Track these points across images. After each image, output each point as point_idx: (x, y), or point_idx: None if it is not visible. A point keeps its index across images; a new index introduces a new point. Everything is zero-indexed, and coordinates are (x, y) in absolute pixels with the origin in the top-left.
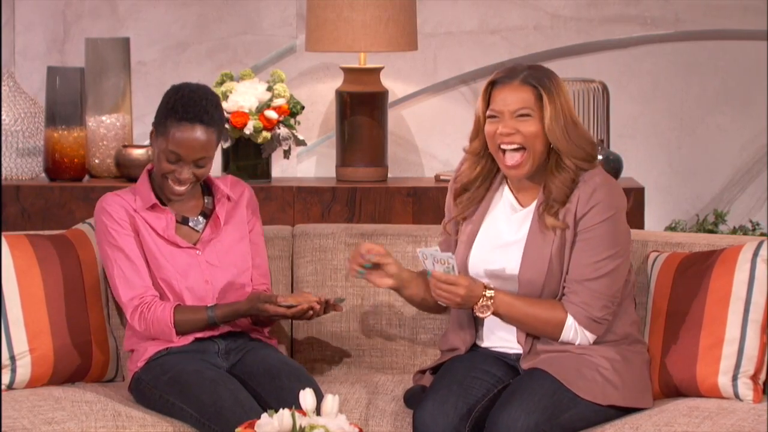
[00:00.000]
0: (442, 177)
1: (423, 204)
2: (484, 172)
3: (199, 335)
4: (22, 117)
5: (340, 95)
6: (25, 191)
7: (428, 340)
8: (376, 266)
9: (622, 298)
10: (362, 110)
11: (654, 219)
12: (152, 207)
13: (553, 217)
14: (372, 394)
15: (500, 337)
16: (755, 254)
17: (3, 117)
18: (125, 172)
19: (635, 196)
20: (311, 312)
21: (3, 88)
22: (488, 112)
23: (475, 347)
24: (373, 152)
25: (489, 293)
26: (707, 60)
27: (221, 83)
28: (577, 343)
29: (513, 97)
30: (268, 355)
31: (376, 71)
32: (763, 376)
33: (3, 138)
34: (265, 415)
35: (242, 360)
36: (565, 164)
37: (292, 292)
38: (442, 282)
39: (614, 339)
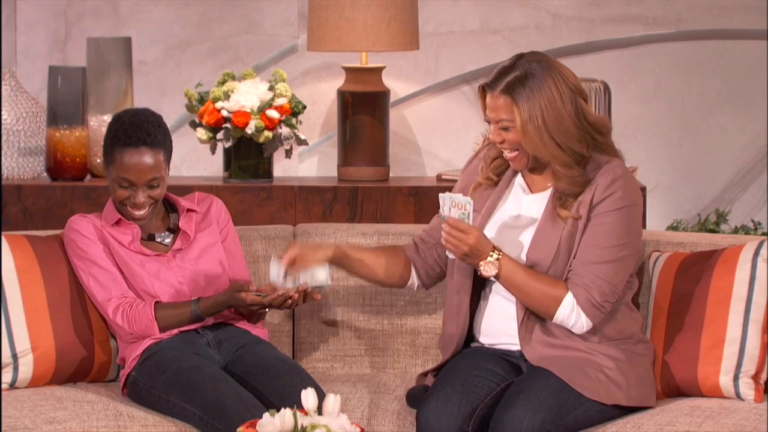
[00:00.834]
0: (443, 176)
1: (424, 203)
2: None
3: (183, 329)
4: (24, 116)
5: (342, 95)
6: (27, 191)
7: (430, 339)
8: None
9: (627, 296)
10: (364, 110)
11: (656, 218)
12: (117, 222)
13: (567, 209)
14: (374, 393)
15: (500, 330)
16: (756, 254)
17: (5, 116)
18: None
19: None
20: (290, 301)
21: (5, 87)
22: (485, 114)
23: (470, 341)
24: (375, 152)
25: (496, 254)
26: (709, 60)
27: (223, 83)
28: (570, 325)
29: (493, 108)
30: (264, 353)
31: (378, 71)
32: (764, 376)
33: (5, 137)
34: (266, 415)
35: (239, 358)
36: (558, 170)
37: None
38: (455, 228)
39: (620, 338)
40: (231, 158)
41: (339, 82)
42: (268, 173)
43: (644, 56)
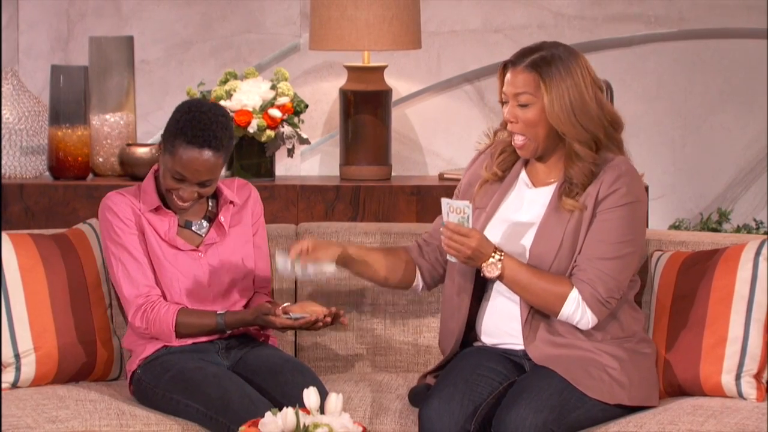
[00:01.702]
0: (446, 175)
1: (427, 202)
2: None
3: (196, 341)
4: (26, 115)
5: (344, 94)
6: (29, 189)
7: (432, 338)
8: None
9: (629, 295)
10: (366, 109)
11: (657, 217)
12: (156, 209)
13: (573, 199)
14: (376, 392)
15: (502, 330)
16: (757, 253)
17: (7, 115)
18: (129, 171)
19: None
20: (319, 323)
21: (7, 86)
22: (501, 95)
23: (472, 341)
24: (377, 151)
25: (498, 255)
26: (711, 59)
27: (225, 82)
28: (575, 321)
29: (515, 83)
30: (270, 353)
31: (380, 70)
32: (766, 375)
33: (7, 136)
34: (269, 414)
35: (244, 358)
36: (577, 151)
37: (295, 290)
38: (455, 233)
39: (622, 336)
40: (233, 157)
41: (341, 81)
42: (270, 172)
43: (646, 55)
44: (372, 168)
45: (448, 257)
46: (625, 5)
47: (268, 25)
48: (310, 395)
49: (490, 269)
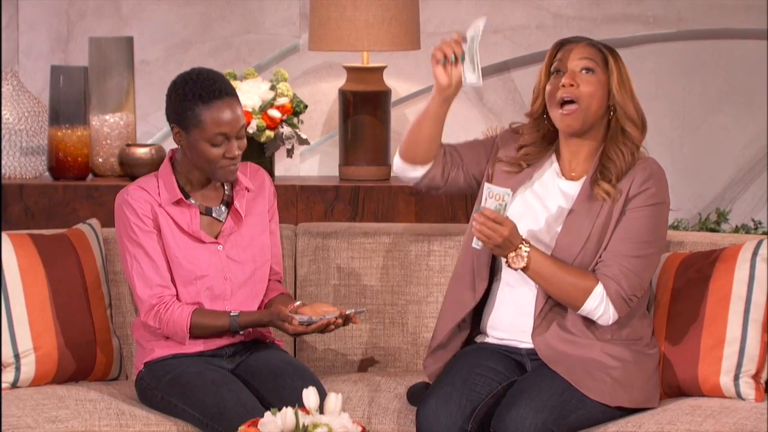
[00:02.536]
0: None
1: (426, 203)
2: (544, 134)
3: (205, 348)
4: (26, 116)
5: (343, 94)
6: (29, 190)
7: (430, 338)
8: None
9: (642, 300)
10: (365, 109)
11: None
12: (177, 202)
13: (608, 183)
14: (375, 392)
15: (511, 325)
16: (755, 253)
17: (7, 116)
18: (129, 171)
19: None
20: (332, 326)
21: (7, 87)
22: (552, 68)
23: (473, 340)
24: (376, 151)
25: (526, 246)
26: (710, 59)
27: None
28: (597, 315)
29: (580, 54)
30: (271, 355)
31: (379, 70)
32: (764, 375)
33: (7, 137)
34: (268, 414)
35: (246, 360)
36: (628, 132)
37: (295, 290)
38: (490, 219)
39: (632, 338)
40: None
41: (340, 81)
42: (269, 172)
43: (645, 56)
44: (371, 168)
45: (473, 243)
46: (624, 6)
47: (268, 25)
48: (310, 395)
49: (516, 261)
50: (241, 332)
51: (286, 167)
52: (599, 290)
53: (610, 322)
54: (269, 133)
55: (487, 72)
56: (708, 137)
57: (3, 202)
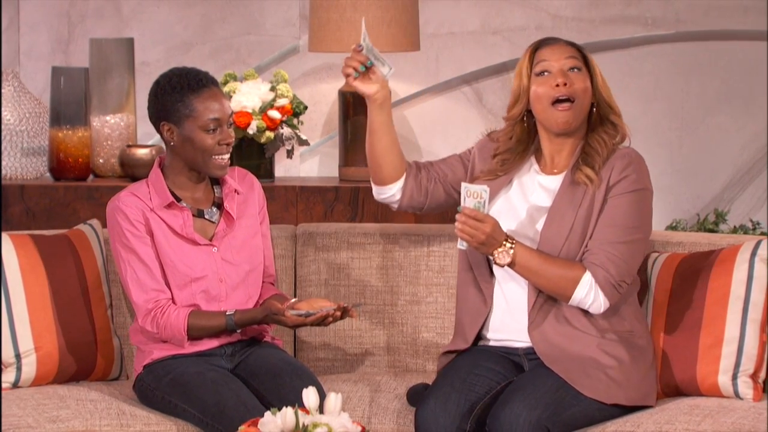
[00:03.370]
0: None
1: None
2: (521, 138)
3: (203, 348)
4: (27, 117)
5: (343, 95)
6: (30, 190)
7: (430, 338)
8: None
9: (632, 292)
10: (365, 110)
11: (655, 218)
12: (169, 205)
13: (590, 168)
14: (374, 392)
15: (509, 326)
16: (753, 254)
17: (8, 117)
18: (129, 172)
19: None
20: (330, 318)
21: (8, 88)
22: (536, 70)
23: (478, 341)
24: None
25: (510, 242)
26: (708, 60)
27: (225, 83)
28: (588, 304)
29: (564, 53)
30: (271, 355)
31: None
32: (762, 375)
33: (8, 138)
34: (268, 414)
35: (245, 360)
36: (613, 123)
37: (295, 290)
38: (470, 218)
39: (623, 329)
40: (233, 158)
41: (340, 82)
42: (269, 173)
43: (643, 57)
44: None
45: (458, 244)
46: (623, 7)
47: (268, 26)
48: (309, 395)
49: (502, 257)
50: (238, 331)
51: (286, 168)
52: (587, 278)
53: (602, 310)
54: (269, 134)
55: (487, 73)
56: (706, 138)
57: (4, 203)
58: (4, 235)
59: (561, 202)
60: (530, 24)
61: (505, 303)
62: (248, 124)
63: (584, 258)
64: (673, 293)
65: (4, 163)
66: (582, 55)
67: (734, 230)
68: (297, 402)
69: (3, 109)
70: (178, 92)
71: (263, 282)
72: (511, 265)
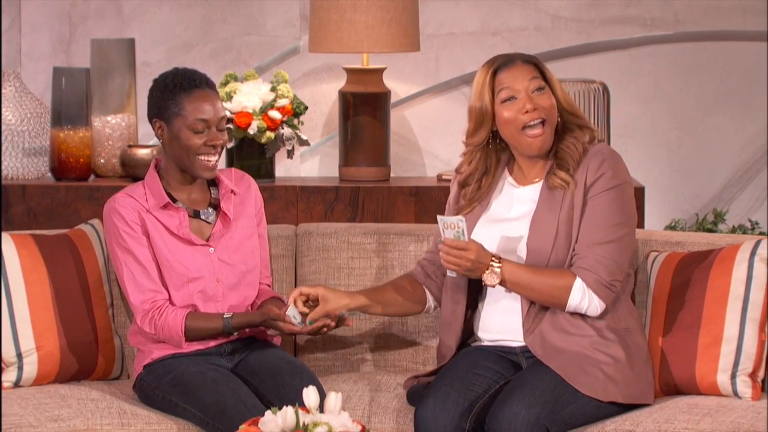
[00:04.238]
0: (444, 176)
1: (425, 203)
2: (483, 163)
3: (203, 347)
4: (28, 117)
5: (343, 96)
6: (31, 190)
7: (430, 338)
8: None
9: (625, 290)
10: (365, 110)
11: (654, 218)
12: (165, 206)
13: (565, 171)
14: (374, 391)
15: (503, 327)
16: (753, 253)
17: (10, 117)
18: (130, 172)
19: (635, 196)
20: (325, 329)
21: (10, 88)
22: (502, 96)
23: (468, 343)
24: (376, 152)
25: (497, 262)
26: (707, 61)
27: (225, 84)
28: (584, 309)
29: (524, 75)
30: (270, 354)
31: (379, 72)
32: (761, 374)
33: (10, 138)
34: (268, 413)
35: (245, 359)
36: (578, 125)
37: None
38: (453, 248)
39: (618, 327)
40: (233, 159)
41: (340, 83)
42: (270, 173)
43: (643, 57)
44: (371, 169)
45: (447, 273)
46: (622, 8)
47: (268, 27)
48: (310, 394)
49: (491, 278)
50: (234, 333)
51: (286, 168)
52: (579, 284)
53: (599, 312)
54: (270, 135)
55: None
56: (705, 138)
57: (6, 203)
58: (6, 235)
59: (542, 210)
60: (530, 25)
61: (499, 306)
62: (249, 125)
63: (573, 263)
64: (672, 293)
65: (5, 163)
66: (540, 70)
67: (733, 230)
68: (297, 401)
69: (4, 109)
70: (171, 90)
71: (260, 284)
72: (501, 283)
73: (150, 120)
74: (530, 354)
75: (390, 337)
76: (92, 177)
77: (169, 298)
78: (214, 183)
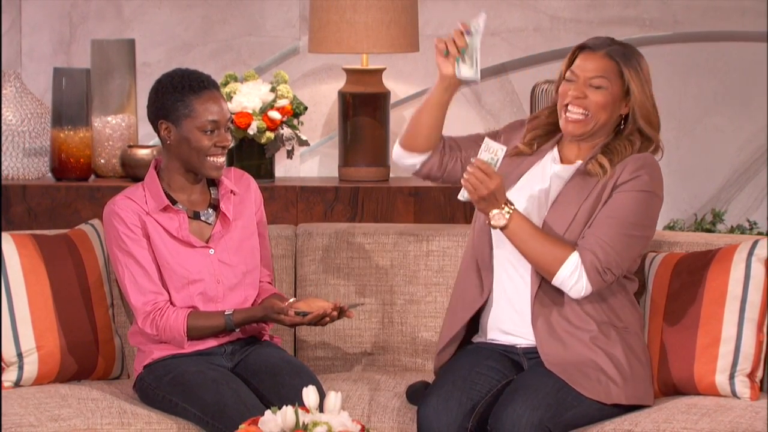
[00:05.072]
0: None
1: (424, 203)
2: (554, 124)
3: (203, 347)
4: (29, 117)
5: (343, 96)
6: (32, 191)
7: (429, 338)
8: None
9: (628, 291)
10: (364, 111)
11: None
12: (165, 209)
13: (607, 160)
14: (374, 391)
15: (510, 321)
16: (750, 253)
17: (10, 117)
18: (130, 172)
19: None
20: (327, 318)
21: (10, 89)
22: (567, 74)
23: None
24: (375, 152)
25: (509, 207)
26: (705, 61)
27: (225, 84)
28: (570, 286)
29: (593, 65)
30: (270, 354)
31: (378, 72)
32: (759, 374)
33: (10, 138)
34: (268, 412)
35: (245, 359)
36: (646, 134)
37: (295, 290)
38: (480, 169)
39: (619, 325)
40: (233, 159)
41: (340, 83)
42: (270, 174)
43: None
44: (370, 169)
45: (459, 195)
46: (621, 8)
47: (268, 28)
48: (309, 394)
49: (497, 218)
50: (237, 330)
51: (286, 168)
52: (574, 258)
53: (582, 294)
54: (269, 135)
55: (485, 74)
56: (703, 138)
57: (6, 203)
58: (6, 234)
59: (569, 192)
60: (528, 25)
61: (507, 302)
62: (248, 125)
63: (578, 243)
64: (671, 293)
65: (6, 163)
66: (618, 69)
67: (731, 230)
68: (297, 401)
69: (5, 109)
70: (179, 92)
71: (261, 282)
72: (503, 228)
73: (153, 121)
74: (532, 355)
75: (390, 337)
76: (92, 177)
77: (170, 300)
78: (214, 183)
